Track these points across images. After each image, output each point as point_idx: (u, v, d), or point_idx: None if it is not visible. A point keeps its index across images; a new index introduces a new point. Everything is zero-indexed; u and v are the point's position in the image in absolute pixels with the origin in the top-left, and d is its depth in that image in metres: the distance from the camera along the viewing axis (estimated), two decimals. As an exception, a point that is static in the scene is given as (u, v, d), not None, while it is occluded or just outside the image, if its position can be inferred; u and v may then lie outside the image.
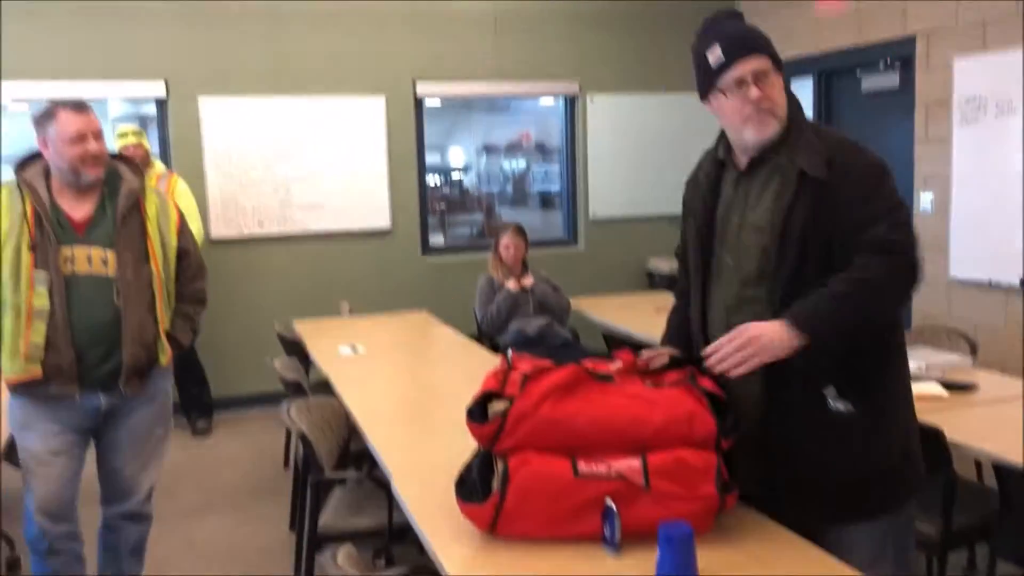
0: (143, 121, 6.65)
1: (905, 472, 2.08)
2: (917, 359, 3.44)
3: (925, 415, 2.81)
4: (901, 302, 2.03)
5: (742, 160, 2.11)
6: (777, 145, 2.03)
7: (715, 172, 2.18)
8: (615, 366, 2.12)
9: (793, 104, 2.07)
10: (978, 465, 3.48)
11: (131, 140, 5.27)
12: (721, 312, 2.13)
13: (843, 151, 1.98)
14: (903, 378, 2.13)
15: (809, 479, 2.02)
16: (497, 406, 1.99)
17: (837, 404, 1.99)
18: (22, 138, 2.95)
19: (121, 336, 2.84)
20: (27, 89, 5.65)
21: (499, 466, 1.96)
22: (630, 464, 1.91)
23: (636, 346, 4.16)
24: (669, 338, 2.37)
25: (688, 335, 2.28)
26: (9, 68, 5.53)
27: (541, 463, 1.93)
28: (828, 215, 1.94)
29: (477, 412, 2.00)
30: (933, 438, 2.63)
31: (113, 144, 5.23)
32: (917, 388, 3.08)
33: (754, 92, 1.98)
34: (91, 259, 2.83)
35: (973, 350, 3.84)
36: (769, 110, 2.00)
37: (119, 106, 7.65)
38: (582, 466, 1.92)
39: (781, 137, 2.02)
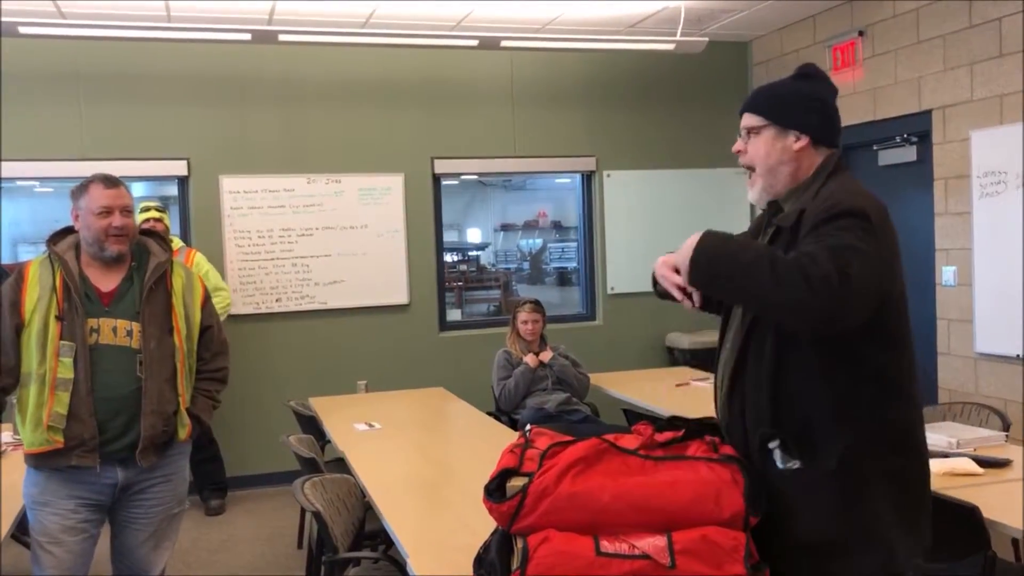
0: (165, 201, 6.72)
1: (889, 544, 1.88)
2: (948, 434, 3.36)
3: (960, 492, 2.74)
4: (781, 300, 1.74)
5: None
6: (787, 197, 2.06)
7: (762, 220, 2.19)
8: (635, 440, 2.06)
9: (826, 161, 2.03)
10: (1015, 543, 3.35)
11: (152, 215, 5.33)
12: (721, 361, 2.12)
13: (824, 199, 1.90)
14: (881, 431, 1.90)
15: (778, 545, 1.92)
16: (515, 483, 1.93)
17: (784, 461, 1.90)
18: (52, 218, 3.03)
19: (141, 408, 2.84)
20: (50, 168, 5.75)
21: (518, 544, 1.89)
22: (655, 542, 1.84)
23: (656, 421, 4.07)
24: None
25: None
26: (33, 148, 5.64)
27: (562, 541, 1.86)
28: None
29: (495, 490, 1.94)
30: (969, 516, 2.54)
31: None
32: (950, 464, 3.01)
33: (737, 144, 2.11)
34: (116, 331, 2.86)
35: (1005, 425, 3.73)
36: (747, 164, 2.09)
37: (141, 187, 7.75)
38: (605, 544, 1.84)
39: (791, 191, 2.05)
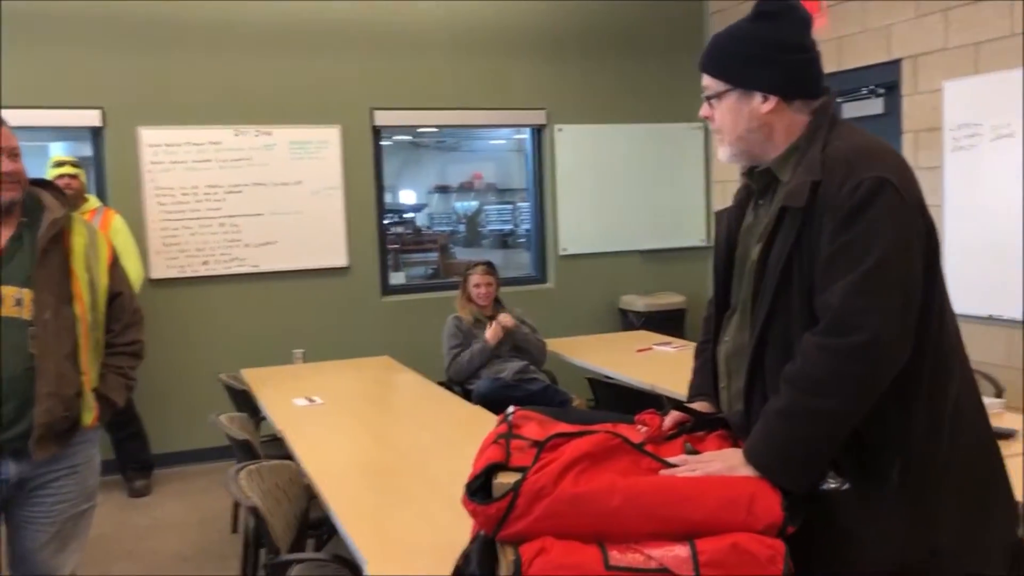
0: (85, 162, 6.17)
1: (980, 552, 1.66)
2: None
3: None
4: (860, 394, 1.56)
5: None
6: (781, 163, 1.74)
7: (746, 193, 1.88)
8: (642, 431, 1.74)
9: (819, 114, 1.74)
10: None
11: (67, 171, 4.81)
12: (723, 355, 1.83)
13: (837, 168, 1.61)
14: (942, 420, 1.62)
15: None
16: (504, 479, 1.58)
17: (827, 481, 1.61)
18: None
19: (35, 390, 2.39)
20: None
21: (509, 555, 1.55)
22: (675, 552, 1.52)
23: (624, 392, 3.75)
24: (699, 377, 1.97)
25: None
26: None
27: (563, 551, 1.53)
28: (809, 248, 1.61)
29: (478, 489, 1.58)
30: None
31: (46, 173, 4.77)
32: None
33: (703, 110, 1.82)
34: (2, 299, 2.39)
35: (998, 391, 3.51)
36: (716, 131, 1.82)
37: (60, 147, 7.11)
38: (615, 555, 1.52)
39: (786, 155, 1.74)
